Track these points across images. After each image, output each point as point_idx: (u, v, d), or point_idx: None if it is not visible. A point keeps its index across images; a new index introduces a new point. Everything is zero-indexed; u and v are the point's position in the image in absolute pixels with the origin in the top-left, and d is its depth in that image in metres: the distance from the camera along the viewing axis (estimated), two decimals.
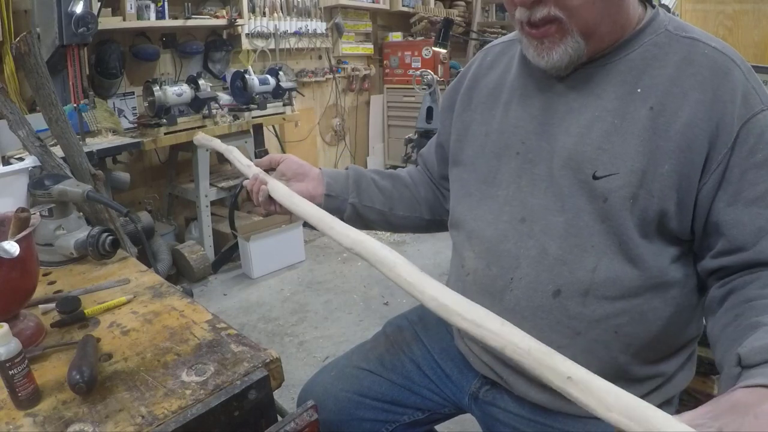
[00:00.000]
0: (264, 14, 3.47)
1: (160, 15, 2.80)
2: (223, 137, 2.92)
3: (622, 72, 0.70)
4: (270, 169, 0.97)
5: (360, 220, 0.97)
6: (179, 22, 2.89)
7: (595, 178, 0.69)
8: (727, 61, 0.68)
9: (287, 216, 3.02)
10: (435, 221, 1.03)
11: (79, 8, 2.15)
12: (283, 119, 3.28)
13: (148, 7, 2.73)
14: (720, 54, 0.68)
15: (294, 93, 3.39)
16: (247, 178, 0.95)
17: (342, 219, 0.92)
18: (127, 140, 2.46)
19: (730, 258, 0.67)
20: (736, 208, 0.66)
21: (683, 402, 0.88)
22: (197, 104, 2.79)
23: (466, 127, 0.88)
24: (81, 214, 1.14)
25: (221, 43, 3.26)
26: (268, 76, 3.17)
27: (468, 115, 0.88)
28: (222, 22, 3.09)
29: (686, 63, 0.68)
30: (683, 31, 0.71)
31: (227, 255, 2.95)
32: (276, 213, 0.94)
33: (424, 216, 1.02)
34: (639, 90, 0.69)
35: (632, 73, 0.70)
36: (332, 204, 0.94)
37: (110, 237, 1.00)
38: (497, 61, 0.88)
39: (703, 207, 0.67)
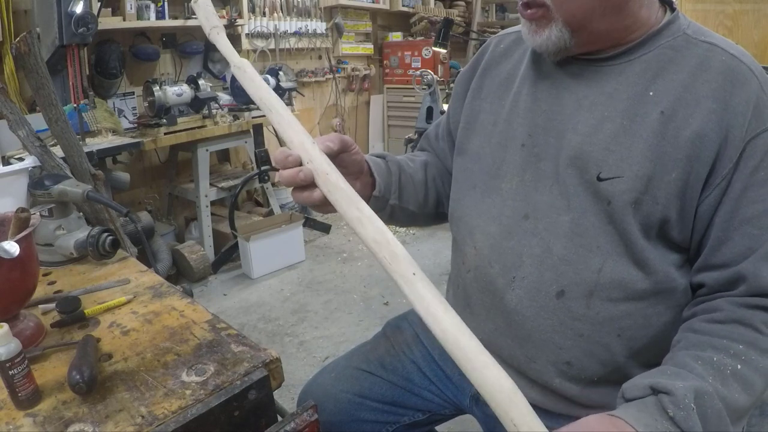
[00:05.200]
0: (264, 14, 3.47)
1: (160, 15, 2.81)
2: (223, 137, 2.95)
3: (636, 73, 0.69)
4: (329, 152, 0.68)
5: (391, 218, 0.87)
6: (179, 22, 2.89)
7: (599, 179, 0.68)
8: (744, 71, 0.66)
9: (287, 215, 3.04)
10: (445, 214, 0.96)
11: (79, 8, 2.15)
12: None
13: (148, 7, 2.73)
14: (738, 62, 0.66)
15: (294, 93, 3.39)
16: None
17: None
18: (127, 140, 2.46)
19: (711, 274, 0.67)
20: (730, 225, 0.65)
21: None
22: (197, 104, 2.79)
23: (474, 116, 0.86)
24: (81, 214, 1.13)
25: None
26: (268, 76, 3.17)
27: (477, 104, 0.86)
28: (222, 22, 3.08)
29: (701, 69, 0.67)
30: (702, 35, 0.70)
31: (227, 255, 2.95)
32: (322, 210, 0.69)
33: (446, 211, 0.93)
34: (651, 93, 0.68)
35: (646, 75, 0.69)
36: (376, 205, 0.81)
37: (110, 237, 0.99)
38: (511, 51, 0.86)
39: (703, 220, 0.67)
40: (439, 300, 0.55)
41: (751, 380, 0.60)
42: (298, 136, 0.65)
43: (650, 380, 0.59)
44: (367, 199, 0.79)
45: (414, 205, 0.89)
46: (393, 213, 0.86)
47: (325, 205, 0.65)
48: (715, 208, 0.66)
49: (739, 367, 0.60)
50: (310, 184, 0.64)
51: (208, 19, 0.80)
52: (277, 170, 0.66)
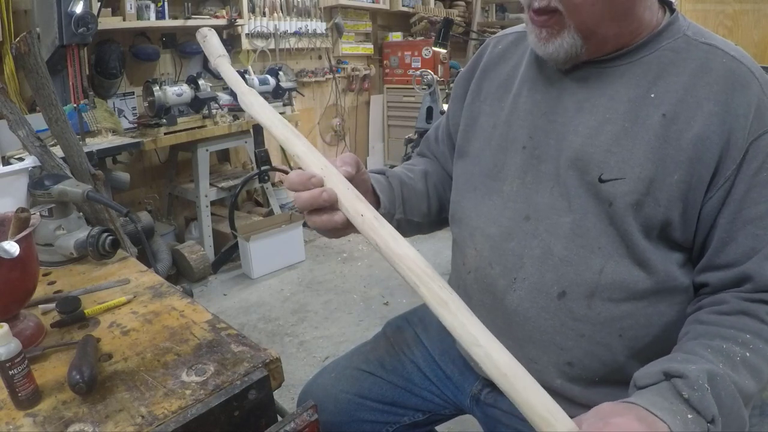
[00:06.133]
0: (264, 14, 3.47)
1: (160, 15, 2.81)
2: (223, 137, 2.95)
3: (637, 75, 0.69)
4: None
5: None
6: (179, 22, 2.89)
7: (601, 181, 0.68)
8: (745, 73, 0.66)
9: (287, 216, 3.04)
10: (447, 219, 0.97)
11: (79, 8, 2.15)
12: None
13: (148, 7, 2.73)
14: (738, 64, 0.66)
15: (294, 93, 3.39)
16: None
17: None
18: (127, 140, 2.46)
19: (716, 274, 0.68)
20: (734, 225, 0.65)
21: None
22: (197, 104, 2.79)
23: (474, 118, 0.86)
24: (81, 214, 1.14)
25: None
26: (268, 76, 3.18)
27: (477, 106, 0.86)
28: (222, 22, 3.09)
29: (702, 71, 0.67)
30: (702, 36, 0.70)
31: (227, 255, 2.95)
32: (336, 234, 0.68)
33: (449, 215, 0.93)
34: (652, 95, 0.68)
35: (647, 77, 0.69)
36: None
37: (110, 237, 0.99)
38: (510, 52, 0.85)
39: (706, 222, 0.67)
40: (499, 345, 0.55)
41: (759, 367, 0.61)
42: (340, 180, 0.63)
43: (662, 366, 0.59)
44: None
45: (418, 216, 0.89)
46: (399, 226, 0.85)
47: (346, 229, 0.64)
48: (718, 210, 0.66)
49: (747, 354, 0.60)
50: (331, 206, 0.62)
51: (215, 48, 0.80)
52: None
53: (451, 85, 3.67)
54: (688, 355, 0.61)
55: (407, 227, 0.88)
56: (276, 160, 3.52)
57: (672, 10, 0.73)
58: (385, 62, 4.49)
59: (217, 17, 3.09)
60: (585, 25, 0.66)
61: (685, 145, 0.65)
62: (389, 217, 0.82)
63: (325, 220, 0.63)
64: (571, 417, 0.75)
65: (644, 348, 0.72)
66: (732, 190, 0.65)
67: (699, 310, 0.69)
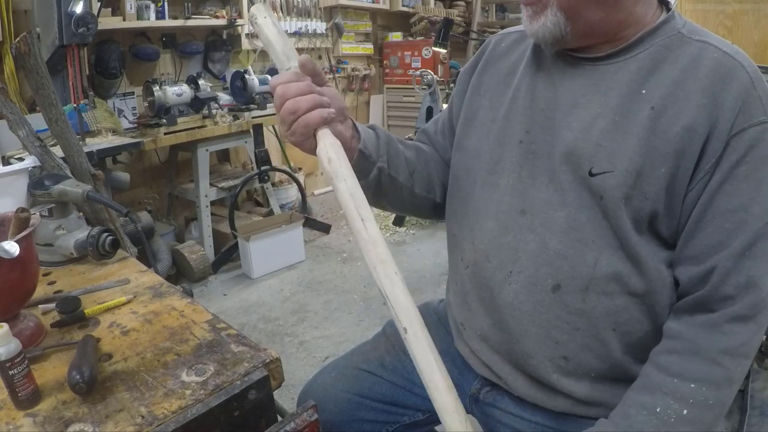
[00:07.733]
0: None
1: (160, 15, 2.81)
2: (223, 137, 2.95)
3: (631, 72, 0.70)
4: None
5: (378, 189, 0.83)
6: (179, 22, 2.89)
7: (591, 174, 0.69)
8: (735, 67, 0.66)
9: (287, 215, 3.04)
10: (443, 207, 0.93)
11: (79, 8, 2.15)
12: None
13: (148, 7, 2.73)
14: (729, 59, 0.67)
15: None
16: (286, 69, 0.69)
17: (362, 181, 0.74)
18: (127, 140, 2.46)
19: (685, 271, 0.68)
20: (704, 216, 0.66)
21: None
22: (197, 104, 2.79)
23: (474, 112, 0.86)
24: (81, 214, 1.14)
25: (221, 43, 3.26)
26: (268, 76, 3.18)
27: (476, 100, 0.86)
28: (222, 22, 3.09)
29: (693, 66, 0.67)
30: (697, 34, 0.70)
31: (227, 255, 2.95)
32: (301, 146, 0.71)
33: (436, 199, 0.92)
34: (644, 91, 0.69)
35: (640, 74, 0.69)
36: (362, 164, 0.78)
37: (110, 237, 0.99)
38: (512, 49, 0.86)
39: (687, 215, 0.67)
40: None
41: (698, 418, 0.64)
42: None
43: None
44: (353, 152, 0.76)
45: (403, 177, 0.85)
46: (381, 180, 0.82)
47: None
48: (696, 200, 0.66)
49: (685, 412, 0.63)
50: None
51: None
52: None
53: (451, 85, 3.68)
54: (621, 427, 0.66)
55: (390, 186, 0.84)
56: (276, 160, 3.53)
57: (668, 9, 0.73)
58: (385, 62, 4.49)
59: (217, 17, 3.09)
60: (568, 4, 0.68)
61: (673, 137, 0.66)
62: (371, 162, 0.79)
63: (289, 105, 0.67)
64: (570, 413, 0.76)
65: (638, 343, 0.72)
66: (710, 182, 0.65)
67: (668, 335, 0.70)
